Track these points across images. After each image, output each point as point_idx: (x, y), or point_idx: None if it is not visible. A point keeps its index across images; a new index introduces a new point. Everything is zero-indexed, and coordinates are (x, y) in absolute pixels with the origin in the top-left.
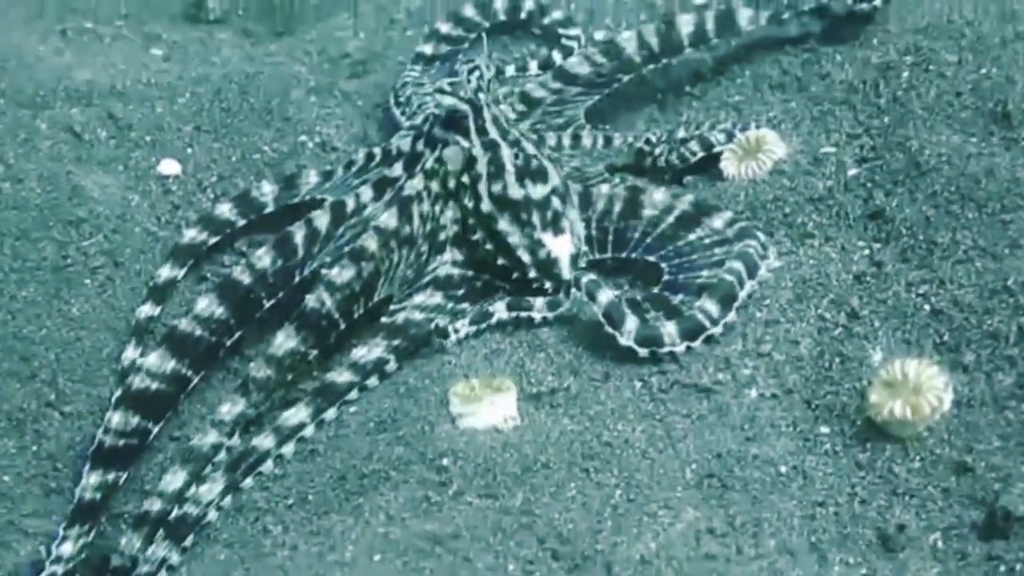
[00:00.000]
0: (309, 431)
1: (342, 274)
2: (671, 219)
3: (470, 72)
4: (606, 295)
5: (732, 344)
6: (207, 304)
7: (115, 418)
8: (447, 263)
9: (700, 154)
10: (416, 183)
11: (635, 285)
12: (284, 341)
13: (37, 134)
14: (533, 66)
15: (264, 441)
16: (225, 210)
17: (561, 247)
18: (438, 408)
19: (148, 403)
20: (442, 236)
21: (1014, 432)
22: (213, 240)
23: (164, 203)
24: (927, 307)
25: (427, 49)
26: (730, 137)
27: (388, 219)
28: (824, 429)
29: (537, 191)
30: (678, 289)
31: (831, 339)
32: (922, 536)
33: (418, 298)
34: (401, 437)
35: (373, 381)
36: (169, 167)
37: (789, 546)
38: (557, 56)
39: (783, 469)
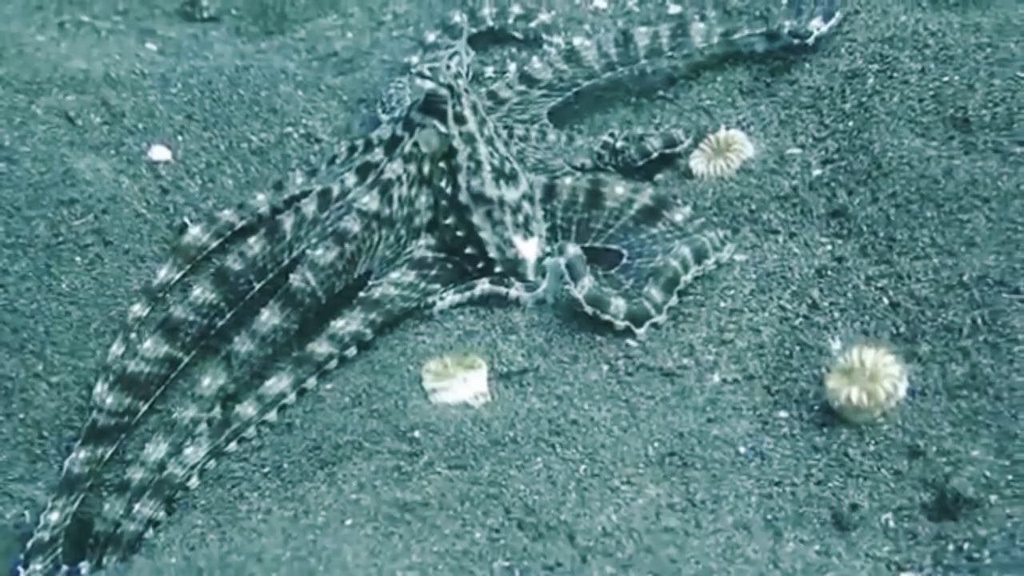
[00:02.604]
0: (291, 399)
1: (326, 255)
2: (632, 211)
3: (449, 58)
4: (575, 249)
5: (696, 331)
6: (201, 292)
7: (109, 399)
8: (422, 247)
9: (661, 150)
10: (396, 167)
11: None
12: (268, 317)
13: (33, 118)
14: (512, 68)
15: (247, 409)
16: (227, 214)
17: (529, 250)
18: (411, 384)
19: (141, 385)
20: (417, 221)
21: (965, 419)
22: (215, 243)
23: (154, 187)
24: (885, 300)
25: (414, 59)
26: (669, 144)
27: (370, 201)
28: (783, 413)
29: (510, 194)
30: (631, 273)
31: (792, 328)
32: (874, 516)
33: (394, 275)
34: (375, 411)
35: (351, 352)
36: (159, 153)
37: (746, 522)
38: (536, 62)
39: (742, 450)
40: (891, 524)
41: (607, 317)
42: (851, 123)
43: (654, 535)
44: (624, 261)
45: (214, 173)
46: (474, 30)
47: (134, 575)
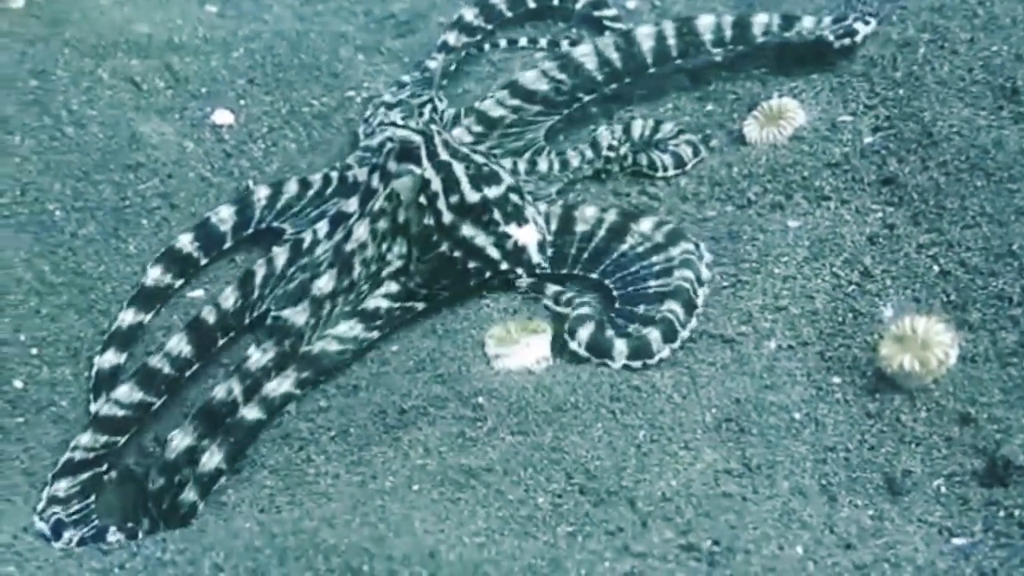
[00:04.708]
0: (223, 479)
1: (261, 359)
2: (602, 231)
3: (422, 106)
4: (587, 330)
5: (753, 298)
6: (177, 342)
7: (84, 438)
8: (379, 295)
9: (671, 171)
10: (360, 232)
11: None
12: (181, 440)
13: (99, 83)
14: (569, 38)
15: (188, 494)
16: (186, 243)
17: (527, 235)
18: (475, 349)
19: (115, 426)
20: (384, 273)
21: (1015, 387)
22: (178, 283)
23: (217, 151)
24: (936, 268)
25: (405, 78)
26: (696, 152)
27: (325, 283)
28: (836, 379)
29: (493, 191)
30: (635, 301)
31: (845, 295)
32: (927, 481)
33: (341, 328)
34: (439, 376)
35: (285, 410)
36: (223, 117)
37: (802, 487)
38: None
39: (797, 416)
40: (943, 490)
41: (609, 360)
42: (901, 91)
43: (712, 500)
44: (616, 292)
45: (276, 137)
46: (510, 14)
47: (209, 537)
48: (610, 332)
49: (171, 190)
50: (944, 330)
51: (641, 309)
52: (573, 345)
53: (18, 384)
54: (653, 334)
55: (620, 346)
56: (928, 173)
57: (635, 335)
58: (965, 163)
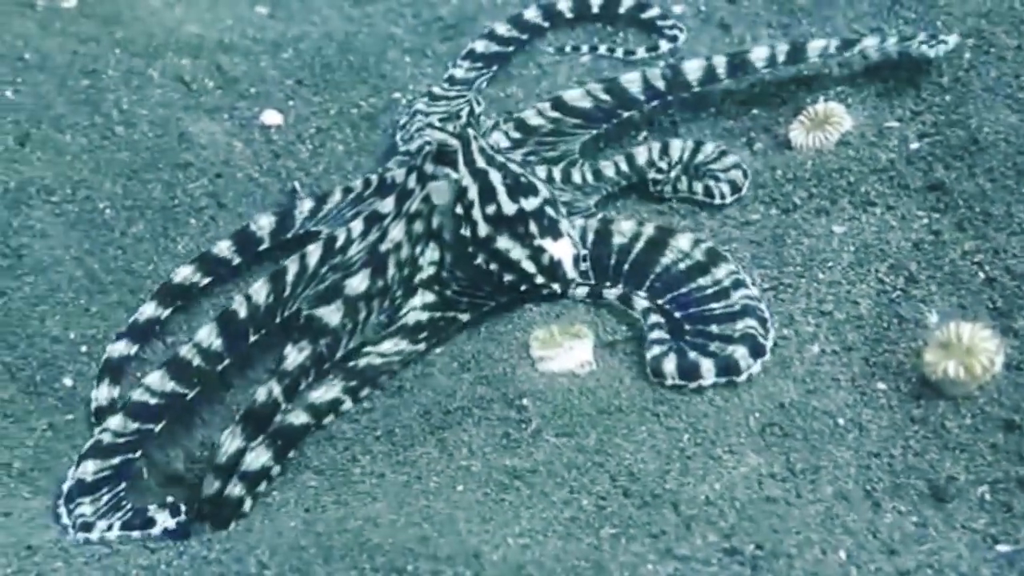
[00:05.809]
0: (275, 471)
1: (297, 358)
2: (640, 245)
3: (459, 109)
4: (671, 362)
5: (796, 302)
6: (207, 334)
7: (114, 422)
8: (417, 308)
9: (728, 199)
10: (396, 234)
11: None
12: (230, 444)
13: (149, 82)
14: (640, 52)
15: (234, 489)
16: (223, 248)
17: (562, 250)
18: (519, 351)
19: (147, 413)
20: (417, 279)
21: None
22: (206, 281)
23: (266, 151)
24: (981, 275)
25: (436, 89)
26: (745, 174)
27: (359, 283)
28: (881, 385)
29: (530, 203)
30: (704, 321)
31: (890, 301)
32: (971, 488)
33: (384, 345)
34: (484, 377)
35: (329, 419)
36: (271, 118)
37: (845, 493)
38: (663, 43)
39: (841, 421)
40: (987, 497)
41: (701, 382)
42: (948, 97)
43: (756, 504)
44: (677, 314)
45: (324, 138)
46: (546, 24)
47: (254, 536)
48: (692, 354)
49: (219, 190)
50: (989, 337)
51: (715, 329)
52: (668, 383)
53: (68, 382)
54: (740, 351)
55: (707, 364)
56: (974, 179)
57: (720, 353)
58: (1011, 169)
